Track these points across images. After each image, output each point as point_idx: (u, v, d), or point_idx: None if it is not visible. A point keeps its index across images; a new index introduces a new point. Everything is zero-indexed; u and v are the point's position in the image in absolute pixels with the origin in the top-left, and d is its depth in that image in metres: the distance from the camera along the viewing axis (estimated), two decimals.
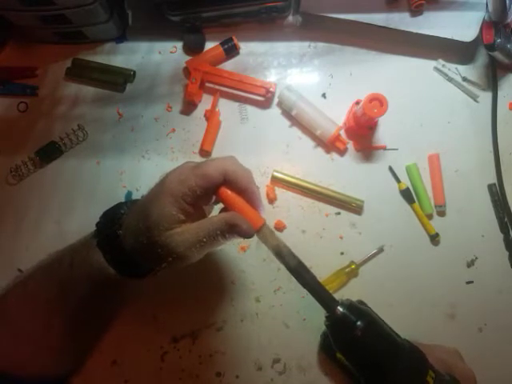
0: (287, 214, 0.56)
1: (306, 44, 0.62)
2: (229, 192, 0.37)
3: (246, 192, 0.37)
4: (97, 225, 0.42)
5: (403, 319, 0.50)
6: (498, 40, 0.54)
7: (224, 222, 0.36)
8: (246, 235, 0.37)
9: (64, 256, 0.42)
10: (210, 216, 0.43)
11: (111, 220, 0.40)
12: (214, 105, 0.58)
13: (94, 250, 0.39)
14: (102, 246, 0.39)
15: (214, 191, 0.38)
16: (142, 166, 0.57)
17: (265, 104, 0.60)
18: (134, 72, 0.60)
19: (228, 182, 0.37)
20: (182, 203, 0.36)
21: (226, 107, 0.59)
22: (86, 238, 0.42)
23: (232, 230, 0.36)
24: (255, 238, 0.39)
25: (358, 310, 0.40)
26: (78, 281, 0.41)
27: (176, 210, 0.36)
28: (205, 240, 0.36)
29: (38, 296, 0.42)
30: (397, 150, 0.58)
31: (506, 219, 0.55)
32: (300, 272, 0.39)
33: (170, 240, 0.35)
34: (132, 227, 0.38)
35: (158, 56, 0.62)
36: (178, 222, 0.36)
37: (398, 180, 0.56)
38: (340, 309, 0.40)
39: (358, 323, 0.39)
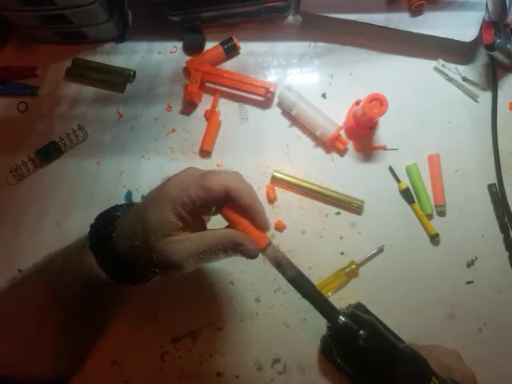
0: (287, 213, 0.56)
1: (306, 44, 0.62)
2: (233, 211, 0.37)
3: (248, 210, 0.36)
4: (91, 226, 0.41)
5: (403, 319, 0.50)
6: (498, 40, 0.54)
7: (229, 239, 0.35)
8: (250, 256, 0.36)
9: (57, 258, 0.42)
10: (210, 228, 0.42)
11: (105, 222, 0.39)
12: (214, 105, 0.58)
13: (86, 253, 0.38)
14: (94, 248, 0.38)
15: (215, 205, 0.37)
16: (141, 165, 0.57)
17: (265, 104, 0.60)
18: (134, 72, 0.60)
19: (230, 198, 0.36)
20: (180, 211, 0.35)
21: (225, 107, 0.59)
22: (80, 240, 0.41)
23: (236, 248, 0.35)
24: None
25: (359, 318, 0.40)
26: (69, 283, 0.40)
27: (174, 216, 0.35)
28: (205, 253, 0.35)
29: (30, 298, 0.42)
30: (397, 150, 0.58)
31: (506, 219, 0.55)
32: (301, 284, 0.39)
33: (168, 247, 0.35)
34: (128, 230, 0.37)
35: (158, 56, 0.62)
36: (176, 230, 0.35)
37: (398, 180, 0.56)
38: (342, 318, 0.39)
39: (361, 332, 0.39)
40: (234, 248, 0.36)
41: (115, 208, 0.42)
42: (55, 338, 0.43)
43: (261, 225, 0.37)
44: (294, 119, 0.58)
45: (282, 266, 0.38)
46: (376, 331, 0.40)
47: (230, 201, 0.36)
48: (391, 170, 0.57)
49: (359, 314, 0.41)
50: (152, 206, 0.36)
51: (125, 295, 0.50)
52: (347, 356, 0.41)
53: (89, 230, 0.41)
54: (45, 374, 0.44)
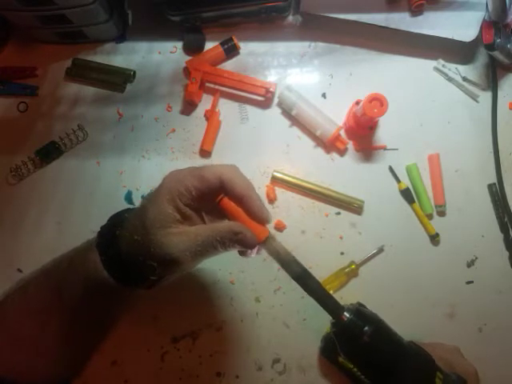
0: (287, 213, 0.56)
1: (306, 44, 0.62)
2: (232, 203, 0.37)
3: (243, 199, 0.36)
4: (101, 227, 0.41)
5: (403, 319, 0.50)
6: (498, 40, 0.54)
7: (227, 229, 0.35)
8: (249, 245, 0.36)
9: (64, 258, 0.42)
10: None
11: (115, 222, 0.40)
12: (214, 105, 0.58)
13: (92, 251, 0.39)
14: (99, 247, 0.39)
15: (212, 195, 0.37)
16: (141, 165, 0.57)
17: (265, 104, 0.60)
18: (134, 72, 0.60)
19: (224, 189, 0.36)
20: (177, 202, 0.35)
21: (226, 107, 0.59)
22: (89, 240, 0.42)
23: (234, 237, 0.35)
24: None
25: (364, 315, 0.40)
26: (74, 283, 0.40)
27: (172, 208, 0.35)
28: (202, 245, 0.35)
29: (35, 300, 0.42)
30: (397, 150, 0.58)
31: (506, 219, 0.55)
32: (306, 281, 0.38)
33: (165, 239, 0.35)
34: (129, 226, 0.37)
35: (158, 56, 0.62)
36: (174, 222, 0.35)
37: (398, 180, 0.56)
38: (346, 315, 0.39)
39: (366, 329, 0.38)
40: (232, 238, 0.35)
41: (126, 210, 0.42)
42: (58, 339, 0.42)
43: (258, 216, 0.37)
44: (294, 119, 0.58)
45: (286, 262, 0.38)
46: (381, 327, 0.40)
47: (226, 192, 0.36)
48: (391, 169, 0.57)
49: (364, 311, 0.41)
50: (151, 201, 0.36)
51: (128, 301, 0.50)
52: (352, 352, 0.41)
53: (90, 230, 0.41)
54: (47, 376, 0.44)
